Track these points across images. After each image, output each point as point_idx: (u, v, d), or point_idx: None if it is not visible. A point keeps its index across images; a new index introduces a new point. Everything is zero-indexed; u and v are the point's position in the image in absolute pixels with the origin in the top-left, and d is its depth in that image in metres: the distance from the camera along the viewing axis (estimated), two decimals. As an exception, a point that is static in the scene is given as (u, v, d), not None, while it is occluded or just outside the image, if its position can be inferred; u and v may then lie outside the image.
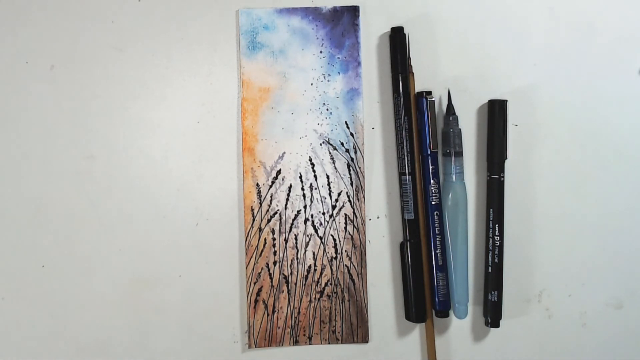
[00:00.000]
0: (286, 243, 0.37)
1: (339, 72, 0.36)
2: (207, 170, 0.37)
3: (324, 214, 0.37)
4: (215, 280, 0.37)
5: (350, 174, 0.37)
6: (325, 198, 0.37)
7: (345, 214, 0.37)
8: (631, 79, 0.37)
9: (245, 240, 0.36)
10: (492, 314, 0.36)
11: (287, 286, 0.37)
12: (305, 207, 0.37)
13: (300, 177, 0.37)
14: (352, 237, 0.37)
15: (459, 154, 0.36)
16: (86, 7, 0.37)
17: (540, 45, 0.37)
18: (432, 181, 0.36)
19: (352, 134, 0.37)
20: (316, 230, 0.37)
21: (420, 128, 0.36)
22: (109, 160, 0.37)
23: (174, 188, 0.37)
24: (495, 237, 0.35)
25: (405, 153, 0.35)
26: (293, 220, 0.37)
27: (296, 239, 0.37)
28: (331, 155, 0.37)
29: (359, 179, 0.37)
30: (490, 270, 0.36)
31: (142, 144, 0.37)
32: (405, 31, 0.36)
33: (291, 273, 0.37)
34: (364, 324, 0.37)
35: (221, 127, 0.37)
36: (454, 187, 0.36)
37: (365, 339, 0.37)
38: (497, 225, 0.35)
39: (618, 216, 0.37)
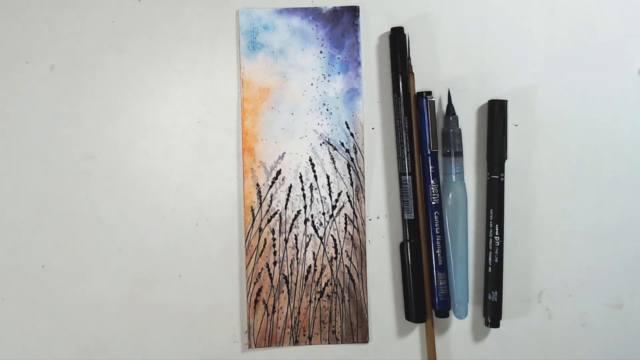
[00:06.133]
0: (286, 243, 0.37)
1: (339, 72, 0.36)
2: (207, 170, 0.37)
3: (324, 214, 0.37)
4: (215, 280, 0.37)
5: (350, 174, 0.37)
6: (325, 198, 0.37)
7: (345, 214, 0.37)
8: (631, 79, 0.37)
9: (245, 240, 0.36)
10: (492, 314, 0.36)
11: (287, 286, 0.37)
12: (305, 207, 0.37)
13: (300, 177, 0.37)
14: (352, 237, 0.37)
15: (459, 154, 0.36)
16: (86, 7, 0.37)
17: (540, 45, 0.37)
18: (432, 181, 0.36)
19: (352, 134, 0.37)
20: (316, 231, 0.37)
21: (420, 128, 0.36)
22: (109, 160, 0.37)
23: (174, 188, 0.37)
24: (495, 237, 0.35)
25: (405, 153, 0.35)
26: (293, 220, 0.37)
27: (296, 239, 0.37)
28: (331, 156, 0.37)
29: (359, 179, 0.37)
30: (490, 270, 0.36)
31: (142, 144, 0.37)
32: (405, 31, 0.36)
33: (291, 273, 0.37)
34: (364, 324, 0.37)
35: (221, 127, 0.37)
36: (454, 187, 0.36)
37: (365, 339, 0.37)
38: (497, 225, 0.36)
39: (618, 216, 0.37)
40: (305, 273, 0.37)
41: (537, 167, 0.37)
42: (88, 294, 0.37)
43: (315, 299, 0.37)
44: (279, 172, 0.36)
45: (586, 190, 0.37)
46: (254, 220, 0.36)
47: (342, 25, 0.36)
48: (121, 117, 0.37)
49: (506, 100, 0.36)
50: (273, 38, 0.36)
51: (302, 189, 0.37)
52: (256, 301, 0.36)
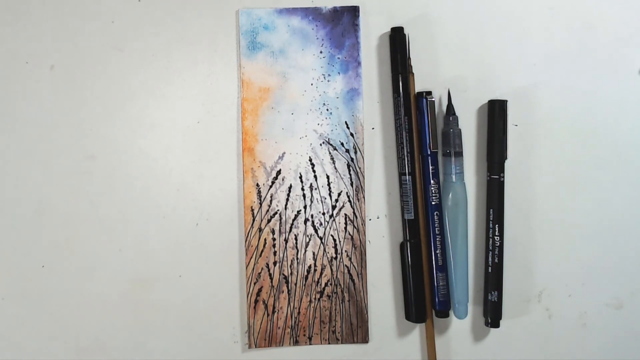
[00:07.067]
0: (286, 243, 0.37)
1: (339, 72, 0.36)
2: (207, 170, 0.37)
3: (324, 214, 0.37)
4: (215, 280, 0.37)
5: (350, 174, 0.37)
6: (325, 198, 0.37)
7: (345, 214, 0.37)
8: (631, 79, 0.37)
9: (245, 240, 0.36)
10: (492, 314, 0.36)
11: (287, 286, 0.37)
12: (305, 207, 0.37)
13: (300, 177, 0.37)
14: (352, 237, 0.37)
15: (459, 154, 0.36)
16: (86, 7, 0.37)
17: (540, 45, 0.37)
18: (432, 181, 0.36)
19: (352, 134, 0.37)
20: (316, 231, 0.37)
21: (420, 128, 0.36)
22: (109, 160, 0.37)
23: (174, 188, 0.37)
24: (495, 237, 0.35)
25: (405, 153, 0.35)
26: (293, 220, 0.37)
27: (296, 239, 0.37)
28: (331, 156, 0.37)
29: (359, 179, 0.37)
30: (490, 270, 0.36)
31: (142, 144, 0.37)
32: (405, 31, 0.36)
33: (291, 273, 0.37)
34: (364, 324, 0.37)
35: (221, 127, 0.37)
36: (454, 187, 0.36)
37: (365, 339, 0.37)
38: (497, 225, 0.35)
39: (618, 216, 0.37)
40: (305, 273, 0.37)
41: (537, 167, 0.37)
42: (88, 294, 0.37)
43: (315, 299, 0.37)
44: (279, 172, 0.36)
45: (586, 190, 0.37)
46: (254, 220, 0.36)
47: (342, 25, 0.36)
48: (121, 117, 0.37)
49: (506, 100, 0.36)
50: (273, 38, 0.36)
51: (302, 189, 0.37)
52: (256, 301, 0.36)
